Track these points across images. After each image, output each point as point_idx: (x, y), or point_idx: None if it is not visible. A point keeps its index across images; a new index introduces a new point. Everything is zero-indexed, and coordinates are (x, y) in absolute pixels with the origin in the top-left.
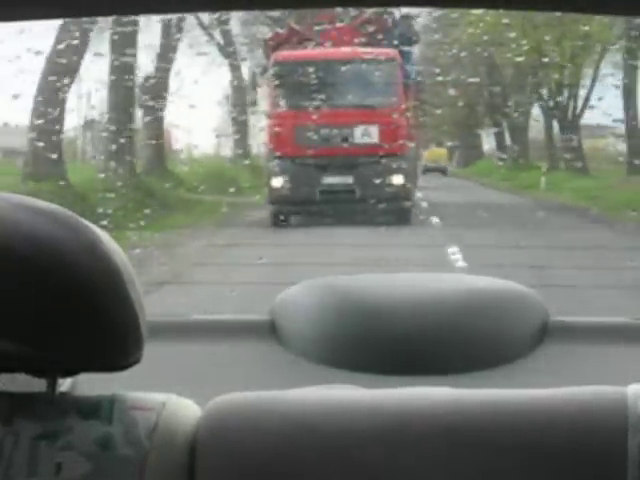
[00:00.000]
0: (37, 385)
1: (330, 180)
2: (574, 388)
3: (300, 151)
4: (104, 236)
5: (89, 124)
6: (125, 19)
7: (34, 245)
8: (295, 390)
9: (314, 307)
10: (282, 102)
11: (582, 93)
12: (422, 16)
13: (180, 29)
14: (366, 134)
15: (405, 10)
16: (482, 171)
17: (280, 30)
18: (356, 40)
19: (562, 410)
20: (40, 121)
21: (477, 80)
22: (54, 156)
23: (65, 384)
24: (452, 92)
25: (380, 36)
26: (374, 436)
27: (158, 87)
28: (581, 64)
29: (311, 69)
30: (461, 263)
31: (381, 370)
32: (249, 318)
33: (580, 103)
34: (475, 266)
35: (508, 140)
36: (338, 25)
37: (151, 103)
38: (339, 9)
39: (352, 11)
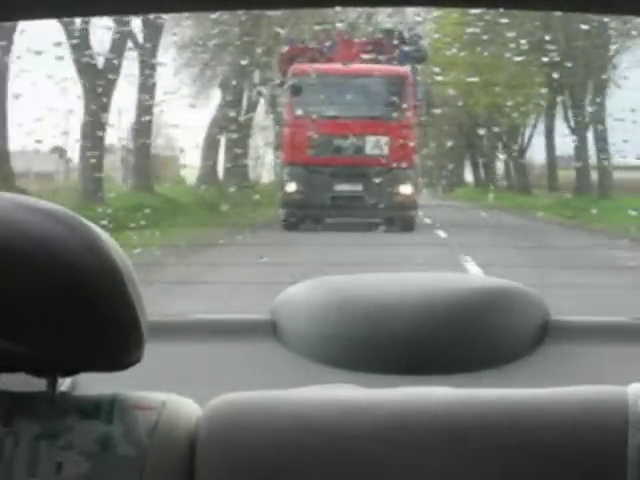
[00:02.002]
0: (37, 385)
1: (341, 187)
2: (574, 388)
3: (313, 159)
4: (104, 235)
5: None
6: None
7: (34, 245)
8: (295, 390)
9: (315, 306)
10: (298, 112)
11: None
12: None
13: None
14: (377, 146)
15: (414, 29)
16: (459, 194)
17: (294, 45)
18: (365, 56)
19: (562, 410)
20: (207, 161)
21: (476, 80)
22: (213, 175)
23: (65, 384)
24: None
25: (388, 54)
26: (375, 436)
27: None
28: (526, 113)
29: (327, 82)
30: (428, 220)
31: (381, 370)
32: (249, 318)
33: (526, 142)
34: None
35: (482, 173)
36: (348, 41)
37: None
38: (346, 26)
39: (361, 29)
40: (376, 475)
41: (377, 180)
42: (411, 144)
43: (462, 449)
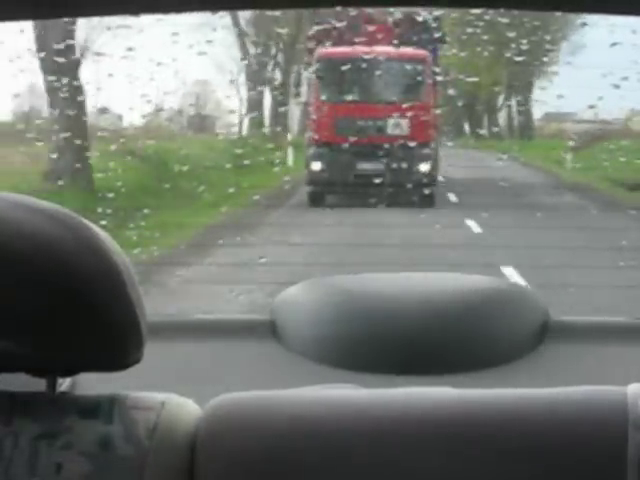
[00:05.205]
0: (37, 385)
1: (364, 166)
2: (574, 388)
3: (338, 139)
4: (104, 236)
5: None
6: None
7: (34, 245)
8: (295, 390)
9: (314, 307)
10: (323, 94)
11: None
12: None
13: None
14: (398, 126)
15: (436, 12)
16: (457, 142)
17: (321, 27)
18: (390, 39)
19: (562, 410)
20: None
21: (476, 79)
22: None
23: (65, 384)
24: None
25: (412, 36)
26: (374, 436)
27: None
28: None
29: (351, 65)
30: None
31: (381, 370)
32: (249, 318)
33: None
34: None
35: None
36: (374, 25)
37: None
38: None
39: (384, 12)
40: (376, 475)
41: (398, 159)
42: (430, 124)
43: (462, 449)
